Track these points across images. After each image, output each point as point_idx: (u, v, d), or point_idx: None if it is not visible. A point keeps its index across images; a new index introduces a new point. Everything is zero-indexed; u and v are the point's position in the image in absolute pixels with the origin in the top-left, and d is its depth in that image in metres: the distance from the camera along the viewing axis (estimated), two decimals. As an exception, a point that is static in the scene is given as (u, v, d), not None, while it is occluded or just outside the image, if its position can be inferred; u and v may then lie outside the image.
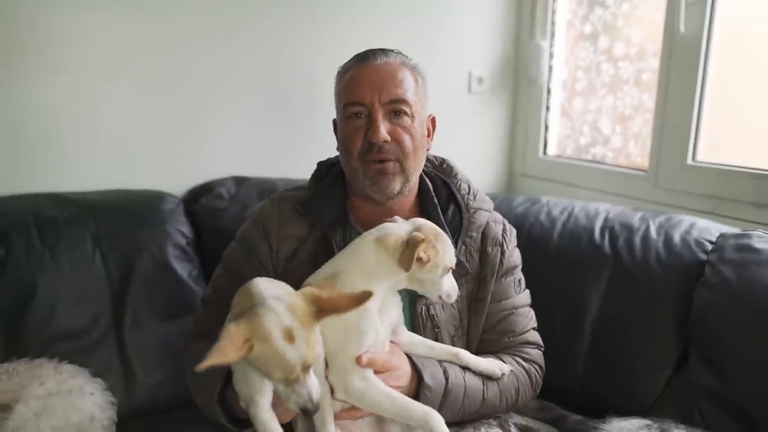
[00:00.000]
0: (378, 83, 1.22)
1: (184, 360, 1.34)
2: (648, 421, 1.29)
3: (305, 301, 0.91)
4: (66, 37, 1.73)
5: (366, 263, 1.08)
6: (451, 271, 1.13)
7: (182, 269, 1.73)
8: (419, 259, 1.06)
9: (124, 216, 1.71)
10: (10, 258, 1.55)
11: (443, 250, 1.10)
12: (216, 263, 1.51)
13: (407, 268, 1.05)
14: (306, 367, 0.89)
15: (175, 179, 1.93)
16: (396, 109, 1.23)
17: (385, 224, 1.14)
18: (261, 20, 1.99)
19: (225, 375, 1.10)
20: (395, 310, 1.15)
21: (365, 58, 1.26)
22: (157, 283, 1.69)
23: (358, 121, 1.24)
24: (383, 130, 1.21)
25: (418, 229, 1.11)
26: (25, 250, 1.57)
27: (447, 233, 1.27)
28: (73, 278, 1.60)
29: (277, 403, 1.00)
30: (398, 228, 1.12)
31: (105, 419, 1.41)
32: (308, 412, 0.90)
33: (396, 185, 1.25)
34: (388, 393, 1.06)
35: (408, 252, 1.05)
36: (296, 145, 2.11)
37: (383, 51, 1.27)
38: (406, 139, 1.23)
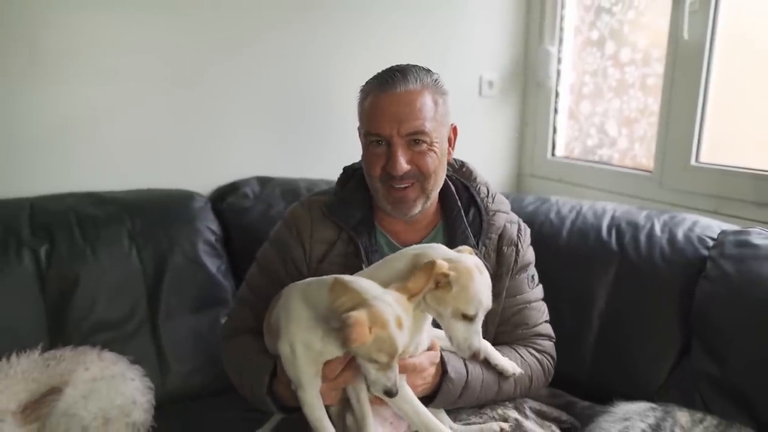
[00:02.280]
0: (397, 115, 1.25)
1: (224, 356, 1.42)
2: (653, 405, 1.37)
3: (399, 292, 1.02)
4: (103, 46, 1.83)
5: (396, 273, 1.13)
6: (470, 322, 1.10)
7: (212, 264, 1.82)
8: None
9: (157, 214, 1.80)
10: (54, 253, 1.65)
11: (457, 291, 1.08)
12: (243, 259, 1.61)
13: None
14: (401, 354, 0.99)
15: (202, 179, 2.02)
16: (415, 139, 1.27)
17: (434, 245, 1.18)
18: (282, 30, 2.08)
19: (271, 369, 1.20)
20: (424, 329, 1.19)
21: (385, 84, 1.27)
22: (189, 278, 1.78)
23: (378, 148, 1.29)
24: (402, 162, 1.26)
25: (452, 260, 1.10)
26: (68, 246, 1.67)
27: (469, 235, 1.35)
28: (111, 272, 1.69)
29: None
30: (441, 253, 1.14)
31: (145, 402, 1.50)
32: (391, 395, 1.01)
33: (417, 208, 1.33)
34: (414, 404, 1.14)
35: (418, 271, 1.08)
36: (316, 147, 2.20)
37: (404, 75, 1.28)
38: (425, 163, 1.28)
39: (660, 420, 1.32)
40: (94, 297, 1.66)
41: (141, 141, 1.94)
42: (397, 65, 1.33)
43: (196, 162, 2.03)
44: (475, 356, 1.12)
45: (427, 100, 1.28)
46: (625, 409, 1.37)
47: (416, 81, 1.28)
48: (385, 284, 1.07)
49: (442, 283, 1.07)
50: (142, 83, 1.90)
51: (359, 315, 0.96)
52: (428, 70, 1.33)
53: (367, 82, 1.35)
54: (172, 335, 1.73)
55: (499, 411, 1.32)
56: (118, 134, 1.90)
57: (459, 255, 1.14)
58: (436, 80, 1.32)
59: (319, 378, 1.09)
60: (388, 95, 1.27)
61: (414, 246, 1.20)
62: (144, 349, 1.68)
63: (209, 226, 1.87)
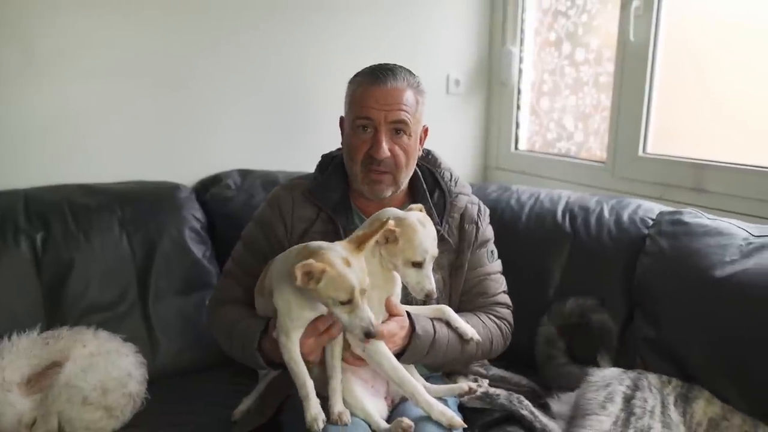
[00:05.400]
0: (386, 105, 1.43)
1: (213, 322, 1.54)
2: (621, 370, 1.55)
3: (349, 243, 1.19)
4: (92, 46, 1.93)
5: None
6: (420, 268, 1.26)
7: (198, 250, 1.94)
8: (377, 242, 1.24)
9: (145, 203, 1.91)
10: (50, 239, 1.75)
11: (403, 243, 1.25)
12: (227, 245, 1.73)
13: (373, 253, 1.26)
14: (362, 291, 1.14)
15: (186, 172, 2.13)
16: (397, 128, 1.45)
17: (387, 209, 1.35)
18: (262, 30, 2.19)
19: (262, 329, 1.34)
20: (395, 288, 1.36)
21: (377, 79, 1.44)
22: (176, 262, 1.89)
23: (364, 134, 1.45)
24: (385, 148, 1.43)
25: (398, 218, 1.27)
26: (63, 233, 1.77)
27: (434, 214, 1.51)
28: (103, 258, 1.80)
29: (304, 345, 1.24)
30: (390, 212, 1.31)
31: (139, 375, 1.62)
32: (371, 335, 1.14)
33: (387, 192, 1.50)
34: (392, 363, 1.29)
35: (373, 229, 1.24)
36: (294, 141, 2.32)
37: (393, 74, 1.45)
38: (401, 155, 1.46)
39: (636, 380, 1.49)
40: (87, 280, 1.77)
41: (129, 136, 2.04)
42: (386, 64, 1.50)
43: (181, 155, 2.14)
44: (428, 296, 1.28)
45: (410, 97, 1.46)
46: (601, 375, 1.54)
47: (403, 80, 1.46)
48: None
49: (390, 238, 1.25)
50: (129, 82, 2.00)
51: (306, 262, 1.12)
52: (412, 72, 1.51)
53: (358, 75, 1.51)
54: (161, 316, 1.83)
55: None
56: (107, 130, 2.00)
57: (406, 213, 1.31)
58: (419, 82, 1.51)
59: (303, 329, 1.24)
60: (380, 88, 1.44)
61: (380, 210, 1.36)
62: (135, 329, 1.79)
63: (194, 214, 1.98)
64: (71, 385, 1.47)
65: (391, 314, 1.32)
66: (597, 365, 1.67)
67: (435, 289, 1.29)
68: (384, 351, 1.28)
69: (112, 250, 1.82)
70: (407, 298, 1.43)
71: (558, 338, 1.75)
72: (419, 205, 1.37)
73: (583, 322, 1.75)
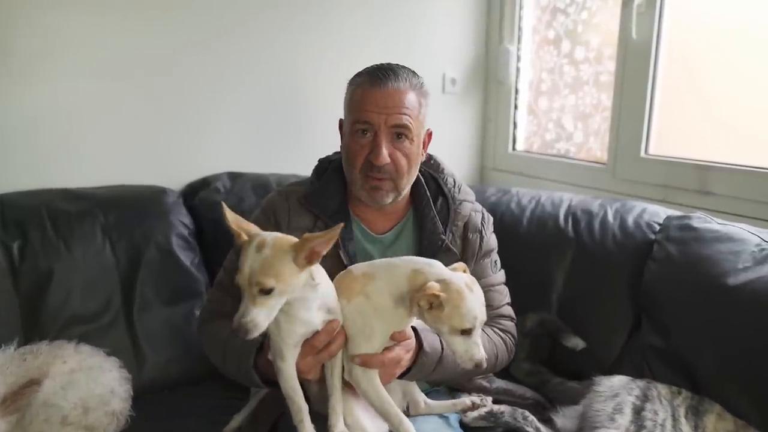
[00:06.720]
0: (386, 108, 1.34)
1: (204, 337, 1.46)
2: (628, 378, 1.49)
3: (295, 243, 1.07)
4: (74, 45, 1.85)
5: (395, 283, 1.18)
6: (468, 335, 1.14)
7: (185, 257, 1.85)
8: (418, 305, 1.13)
9: (130, 209, 1.83)
10: (28, 248, 1.66)
11: (450, 312, 1.12)
12: (216, 252, 1.66)
13: (408, 309, 1.16)
14: (253, 283, 1.03)
15: (173, 175, 2.05)
16: (398, 133, 1.36)
17: (433, 262, 1.20)
18: (251, 28, 2.12)
19: (258, 345, 1.26)
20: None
21: (377, 80, 1.36)
22: (163, 270, 1.80)
23: (363, 138, 1.37)
24: (385, 154, 1.34)
25: (444, 281, 1.14)
26: (41, 241, 1.68)
27: (438, 222, 1.44)
28: (85, 266, 1.71)
29: (302, 363, 1.16)
30: (436, 272, 1.17)
31: (123, 392, 1.53)
32: (237, 330, 1.04)
33: (388, 199, 1.41)
34: (378, 392, 1.19)
35: (415, 293, 1.14)
36: (285, 142, 2.25)
37: (395, 74, 1.37)
38: (402, 161, 1.38)
39: (644, 390, 1.43)
40: (68, 291, 1.68)
41: (112, 138, 1.96)
42: (388, 64, 1.41)
43: (168, 158, 2.06)
44: (478, 366, 1.16)
45: (412, 99, 1.37)
46: (608, 384, 1.47)
47: (405, 81, 1.37)
48: (394, 289, 1.17)
49: (435, 304, 1.13)
50: (113, 81, 1.92)
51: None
52: (415, 73, 1.42)
53: (357, 76, 1.42)
54: (147, 327, 1.75)
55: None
56: (89, 132, 1.92)
57: (451, 274, 1.18)
58: (422, 83, 1.42)
59: (298, 349, 1.15)
60: (380, 90, 1.35)
61: (415, 258, 1.24)
62: (120, 341, 1.70)
63: (182, 220, 1.90)
64: (50, 404, 1.39)
65: (400, 341, 1.23)
66: (576, 349, 1.68)
67: (485, 358, 1.17)
68: (371, 381, 1.20)
69: (95, 258, 1.73)
70: None
71: (533, 365, 1.72)
72: (463, 265, 1.26)
73: (532, 333, 1.75)
